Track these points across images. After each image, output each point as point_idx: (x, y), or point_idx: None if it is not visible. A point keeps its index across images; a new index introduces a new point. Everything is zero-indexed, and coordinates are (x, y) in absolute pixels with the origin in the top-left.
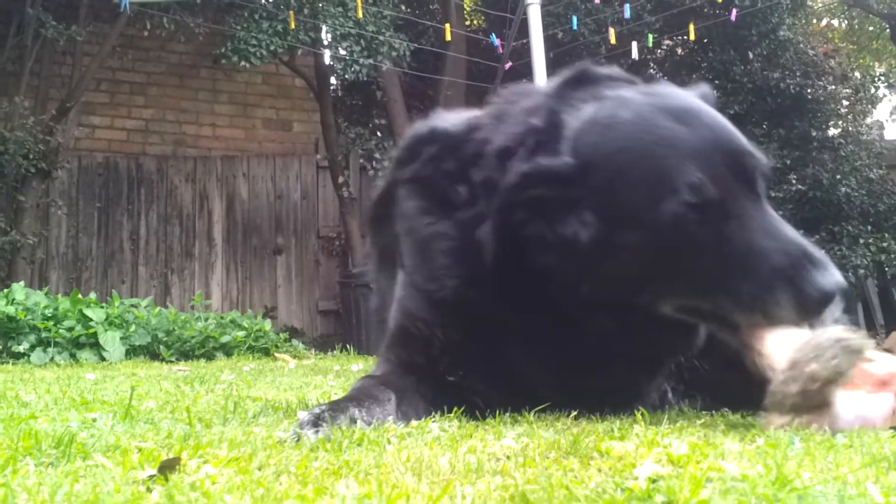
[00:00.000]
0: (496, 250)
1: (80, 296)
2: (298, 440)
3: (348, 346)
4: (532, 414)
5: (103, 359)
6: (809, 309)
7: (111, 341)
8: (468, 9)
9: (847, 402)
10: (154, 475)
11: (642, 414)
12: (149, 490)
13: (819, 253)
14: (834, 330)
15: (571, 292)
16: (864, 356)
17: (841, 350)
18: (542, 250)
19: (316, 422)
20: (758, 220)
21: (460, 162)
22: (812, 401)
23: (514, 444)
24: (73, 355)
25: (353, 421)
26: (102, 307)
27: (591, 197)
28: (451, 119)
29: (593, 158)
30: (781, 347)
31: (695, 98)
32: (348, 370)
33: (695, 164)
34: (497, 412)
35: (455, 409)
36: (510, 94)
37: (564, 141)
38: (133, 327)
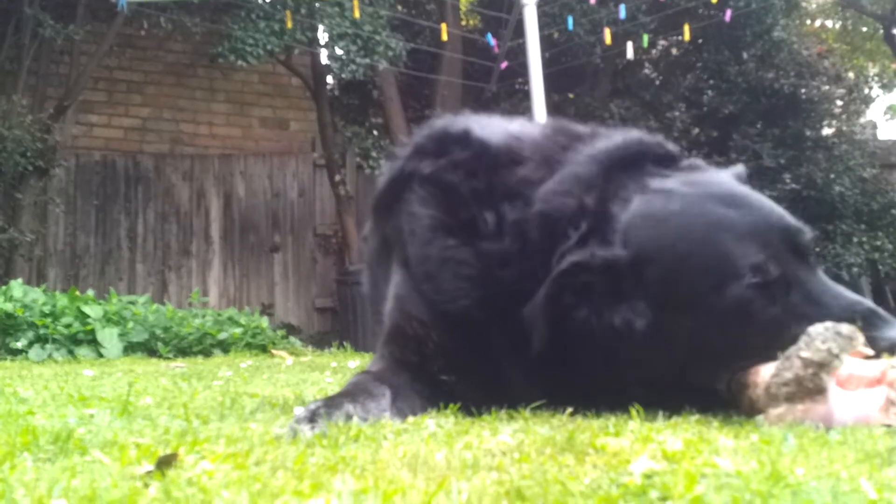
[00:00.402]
0: (542, 332)
1: (77, 293)
2: (295, 436)
3: (345, 344)
4: (528, 410)
5: (101, 355)
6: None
7: (109, 338)
8: (464, 9)
9: (842, 402)
10: (151, 471)
11: (637, 410)
12: (146, 485)
13: (884, 312)
14: (823, 323)
15: (614, 371)
16: (855, 342)
17: (832, 335)
18: (588, 334)
19: (312, 417)
20: (820, 287)
21: (492, 186)
22: (806, 387)
23: (509, 440)
24: (70, 352)
25: (349, 417)
26: (100, 304)
27: (644, 288)
28: (488, 128)
29: (648, 251)
30: (768, 365)
31: (733, 180)
32: (345, 367)
33: (754, 246)
34: (493, 409)
35: (451, 405)
36: (556, 133)
37: (616, 233)
38: (131, 324)
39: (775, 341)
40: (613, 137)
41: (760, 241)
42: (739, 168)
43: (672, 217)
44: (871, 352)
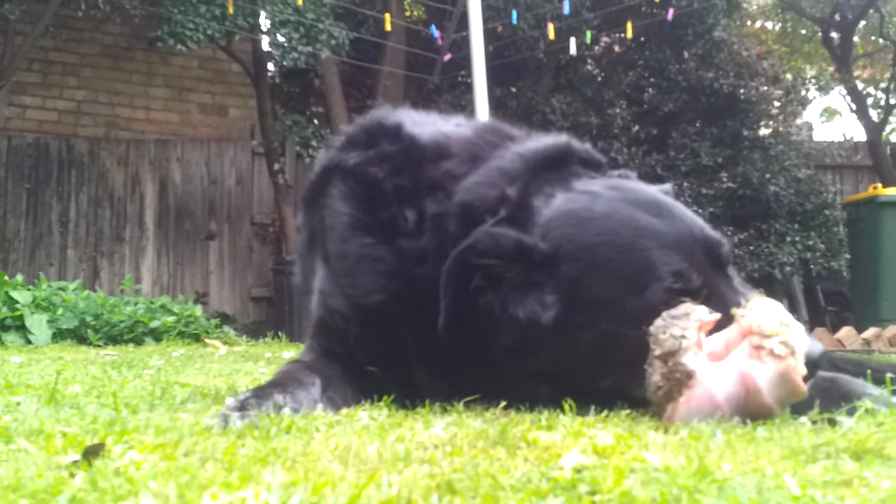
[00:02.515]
0: (450, 311)
1: (6, 277)
2: (225, 425)
3: (280, 334)
4: (461, 404)
5: (29, 342)
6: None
7: (38, 324)
8: (408, 0)
9: (714, 374)
10: (78, 460)
11: (570, 405)
12: (72, 475)
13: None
14: (659, 317)
15: (517, 361)
16: (693, 316)
17: (668, 322)
18: (494, 323)
19: (241, 408)
20: (736, 299)
21: (417, 181)
22: (676, 379)
23: (442, 433)
24: None
25: (279, 406)
26: (29, 290)
27: (556, 283)
28: (420, 124)
29: (567, 248)
30: None
31: (658, 192)
32: (280, 357)
33: (676, 255)
34: (427, 402)
35: (385, 398)
36: (486, 132)
37: (535, 227)
38: (60, 311)
39: None
40: (543, 139)
41: (683, 251)
42: (667, 187)
43: (596, 219)
44: (717, 315)
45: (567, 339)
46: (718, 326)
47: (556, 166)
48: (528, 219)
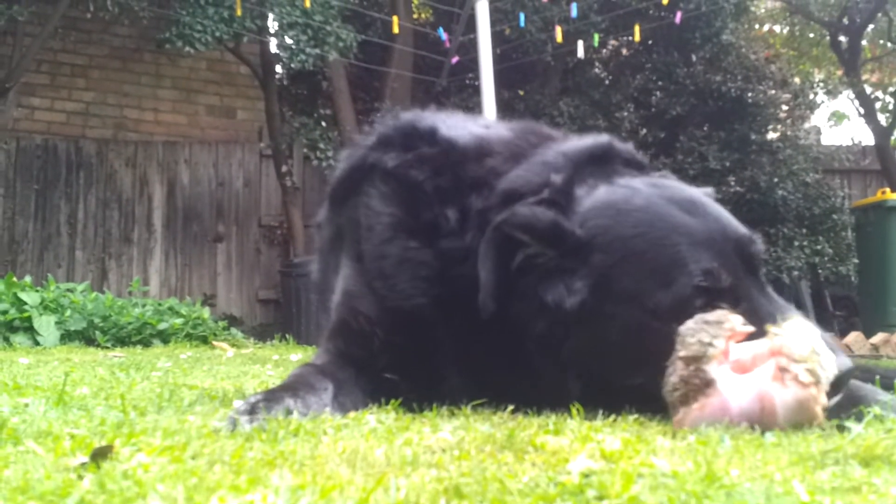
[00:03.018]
0: (489, 286)
1: (14, 279)
2: (233, 428)
3: (287, 336)
4: (469, 408)
5: (37, 343)
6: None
7: (46, 326)
8: (416, 2)
9: (734, 387)
10: (86, 462)
11: (577, 409)
12: (80, 477)
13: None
14: (691, 319)
15: (545, 349)
16: (726, 325)
17: (699, 327)
18: (529, 306)
19: (251, 410)
20: (765, 306)
21: (458, 181)
22: (694, 384)
23: (450, 437)
24: (6, 339)
25: (289, 411)
26: (38, 291)
27: (587, 270)
28: (454, 127)
29: (602, 239)
30: None
31: (697, 191)
32: (287, 360)
33: (708, 253)
34: (434, 406)
35: (392, 401)
36: (527, 133)
37: (575, 213)
38: (68, 312)
39: None
40: (585, 138)
41: (715, 250)
42: (709, 190)
43: (633, 211)
44: (751, 328)
45: (593, 328)
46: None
47: (599, 163)
48: (569, 205)
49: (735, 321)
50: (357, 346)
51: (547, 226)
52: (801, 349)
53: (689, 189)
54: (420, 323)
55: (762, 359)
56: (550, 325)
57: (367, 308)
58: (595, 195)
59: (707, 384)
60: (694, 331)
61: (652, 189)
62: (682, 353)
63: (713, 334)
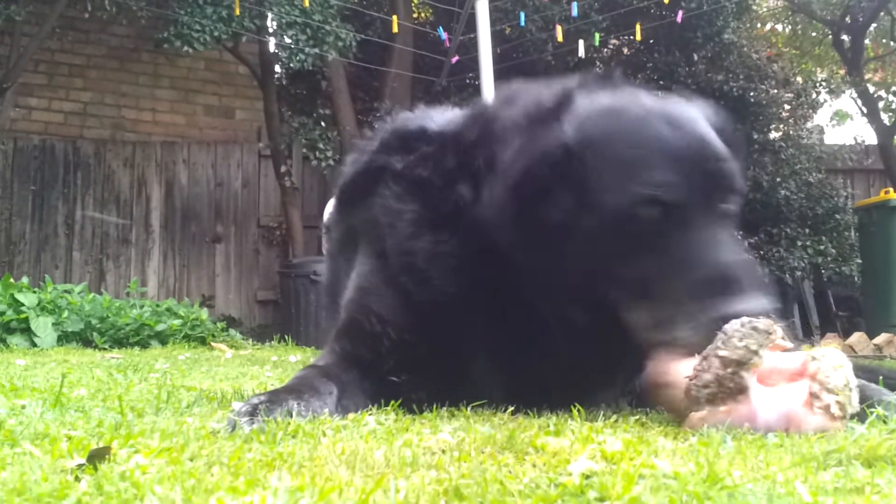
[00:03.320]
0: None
1: (11, 280)
2: (233, 430)
3: (286, 337)
4: (469, 409)
5: (35, 345)
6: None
7: (43, 327)
8: (416, 1)
9: (764, 400)
10: (83, 464)
11: (578, 410)
12: (77, 479)
13: (750, 279)
14: (737, 319)
15: (546, 284)
16: (773, 336)
17: (748, 332)
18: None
19: (252, 412)
20: (705, 237)
21: (461, 156)
22: (727, 388)
23: (449, 438)
24: (3, 340)
25: (291, 414)
26: (35, 292)
27: (571, 181)
28: (438, 119)
29: (593, 140)
30: (685, 367)
31: (698, 112)
32: (286, 361)
33: (671, 166)
34: (434, 406)
35: (392, 402)
36: (513, 90)
37: (571, 118)
38: (66, 313)
39: (649, 279)
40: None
41: (680, 166)
42: (706, 108)
43: (624, 115)
44: (789, 345)
45: (572, 240)
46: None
47: (608, 82)
48: (564, 110)
49: (779, 333)
50: (365, 347)
51: (557, 158)
52: (837, 381)
53: (688, 107)
54: (449, 316)
55: (783, 375)
56: (546, 249)
57: (380, 305)
58: (596, 98)
59: (741, 391)
60: (743, 335)
61: (652, 101)
62: (722, 353)
63: (760, 343)
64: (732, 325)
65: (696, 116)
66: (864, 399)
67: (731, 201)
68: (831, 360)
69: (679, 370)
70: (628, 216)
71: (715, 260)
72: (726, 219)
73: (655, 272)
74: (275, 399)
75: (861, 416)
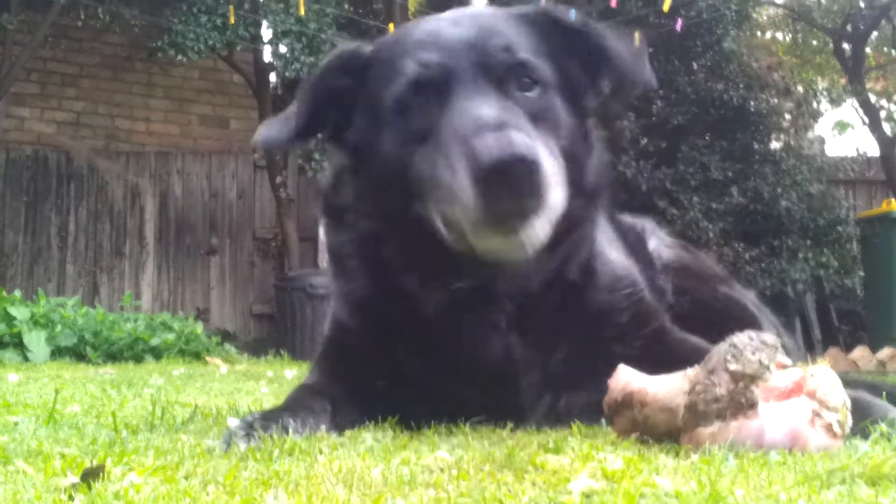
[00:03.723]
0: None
1: (3, 293)
2: (228, 447)
3: (282, 352)
4: (467, 425)
5: (27, 359)
6: (482, 177)
7: (36, 341)
8: (413, 10)
9: (771, 416)
10: (77, 483)
11: (578, 427)
12: (70, 498)
13: (497, 124)
14: (744, 332)
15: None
16: (779, 352)
17: (759, 345)
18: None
19: (248, 429)
20: (463, 104)
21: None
22: (738, 402)
23: (448, 456)
24: None
25: (287, 431)
26: (27, 306)
27: (364, 99)
28: None
29: (382, 45)
30: (665, 383)
31: (499, 10)
32: (282, 376)
33: (435, 52)
34: (432, 423)
35: (389, 418)
36: None
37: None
38: (59, 327)
39: (426, 165)
40: None
41: (445, 50)
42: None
43: (408, 30)
44: (789, 361)
45: (366, 157)
46: None
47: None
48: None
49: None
50: (346, 362)
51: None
52: (836, 399)
53: (488, 11)
54: (375, 313)
55: (773, 393)
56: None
57: (345, 317)
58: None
59: (751, 406)
60: (754, 349)
61: (444, 14)
62: (733, 367)
63: (770, 358)
64: (742, 339)
65: (484, 13)
66: (867, 415)
67: (522, 83)
68: (826, 377)
69: (651, 388)
70: (400, 107)
71: (473, 117)
72: (518, 98)
73: (433, 158)
74: (270, 416)
75: (864, 434)
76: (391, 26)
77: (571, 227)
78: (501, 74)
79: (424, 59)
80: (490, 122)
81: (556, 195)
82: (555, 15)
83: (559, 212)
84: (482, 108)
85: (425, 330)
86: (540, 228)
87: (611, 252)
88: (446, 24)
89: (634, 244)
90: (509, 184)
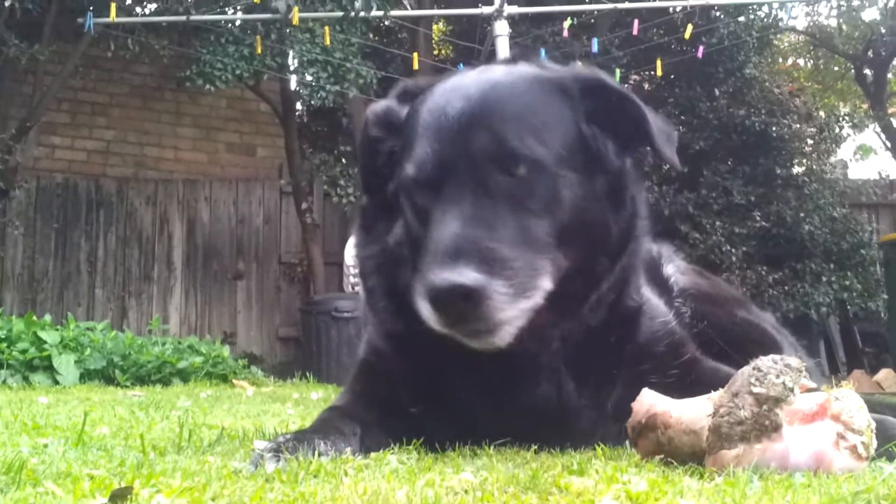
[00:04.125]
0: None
1: (34, 318)
2: (257, 468)
3: (308, 374)
4: (492, 447)
5: (57, 382)
6: (434, 304)
7: (65, 365)
8: (437, 38)
9: (795, 439)
10: None
11: (602, 449)
12: None
13: (454, 252)
14: (768, 356)
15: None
16: (803, 374)
17: (783, 368)
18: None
19: (277, 450)
20: (448, 212)
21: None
22: (763, 425)
23: (472, 477)
24: (25, 378)
25: (317, 453)
26: (57, 329)
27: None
28: None
29: (408, 117)
30: (689, 406)
31: (509, 73)
32: (307, 398)
33: (436, 139)
34: (457, 445)
35: (415, 441)
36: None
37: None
38: (88, 351)
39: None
40: None
41: (443, 137)
42: (589, 69)
43: (441, 90)
44: (813, 384)
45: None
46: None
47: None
48: (422, 95)
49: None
50: (379, 385)
51: (385, 116)
52: (861, 422)
53: (498, 70)
54: (412, 343)
55: (797, 416)
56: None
57: (380, 341)
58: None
59: (776, 428)
60: (778, 371)
61: (472, 74)
62: (757, 390)
63: (794, 381)
64: (765, 362)
65: (493, 81)
66: (891, 438)
67: (506, 170)
68: (851, 400)
69: (675, 412)
70: (407, 189)
71: (441, 238)
72: (500, 187)
73: (416, 246)
74: (301, 438)
75: (889, 456)
76: (415, 55)
77: (594, 284)
78: (485, 166)
79: (421, 156)
80: (450, 248)
81: (513, 310)
82: (600, 82)
83: (533, 308)
84: (451, 225)
85: (468, 365)
86: (505, 332)
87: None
88: (455, 99)
89: (650, 270)
90: (455, 311)
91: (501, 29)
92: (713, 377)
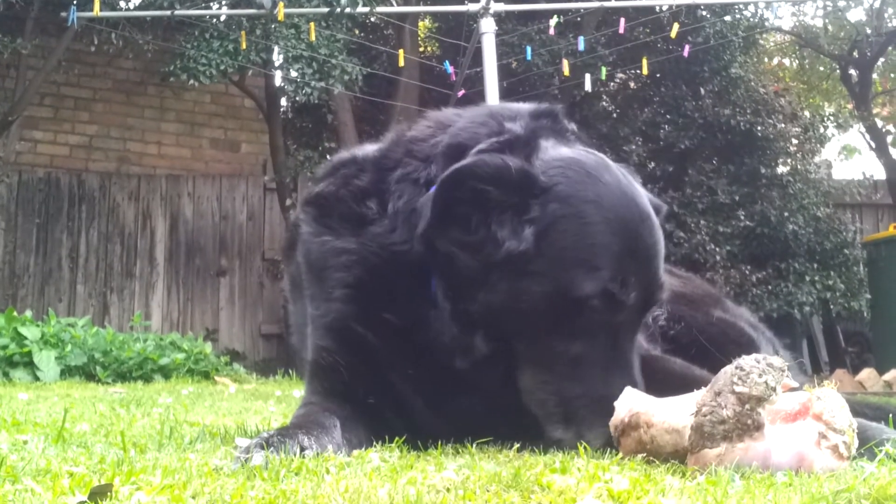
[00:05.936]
0: (432, 221)
1: (15, 313)
2: (245, 461)
3: (290, 372)
4: (474, 445)
5: (37, 379)
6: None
7: (46, 361)
8: (422, 35)
9: (777, 438)
10: (84, 501)
11: (584, 448)
12: None
13: (602, 410)
14: (751, 355)
15: (461, 303)
16: (785, 374)
17: (765, 367)
18: (463, 247)
19: (263, 447)
20: (624, 341)
21: (376, 174)
22: (745, 424)
23: (454, 475)
24: (5, 374)
25: (303, 448)
26: (38, 326)
27: (538, 217)
28: (369, 147)
29: (564, 190)
30: (671, 405)
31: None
32: (290, 395)
33: (633, 268)
34: (439, 442)
35: (396, 438)
36: (440, 116)
37: (541, 161)
38: (69, 347)
39: (569, 351)
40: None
41: (638, 265)
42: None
43: (604, 183)
44: (795, 384)
45: (518, 281)
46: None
47: (551, 121)
48: (534, 152)
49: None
50: (335, 382)
51: (516, 174)
52: (843, 421)
53: (637, 190)
54: (352, 333)
55: (779, 415)
56: (481, 266)
57: (320, 338)
58: (561, 151)
59: (758, 428)
60: (761, 371)
61: (620, 173)
62: (739, 389)
63: (776, 380)
64: (748, 361)
65: (643, 196)
66: (867, 438)
67: (653, 311)
68: (833, 399)
69: (656, 411)
70: (573, 298)
71: (607, 376)
72: (645, 326)
73: (571, 356)
74: (285, 434)
75: (870, 455)
76: (401, 52)
77: None
78: (654, 306)
79: (623, 278)
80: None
81: None
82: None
83: None
84: (631, 369)
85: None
86: None
87: None
88: (645, 228)
89: None
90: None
91: (487, 26)
92: (670, 378)
